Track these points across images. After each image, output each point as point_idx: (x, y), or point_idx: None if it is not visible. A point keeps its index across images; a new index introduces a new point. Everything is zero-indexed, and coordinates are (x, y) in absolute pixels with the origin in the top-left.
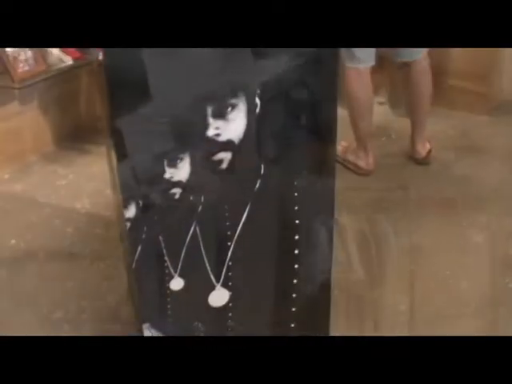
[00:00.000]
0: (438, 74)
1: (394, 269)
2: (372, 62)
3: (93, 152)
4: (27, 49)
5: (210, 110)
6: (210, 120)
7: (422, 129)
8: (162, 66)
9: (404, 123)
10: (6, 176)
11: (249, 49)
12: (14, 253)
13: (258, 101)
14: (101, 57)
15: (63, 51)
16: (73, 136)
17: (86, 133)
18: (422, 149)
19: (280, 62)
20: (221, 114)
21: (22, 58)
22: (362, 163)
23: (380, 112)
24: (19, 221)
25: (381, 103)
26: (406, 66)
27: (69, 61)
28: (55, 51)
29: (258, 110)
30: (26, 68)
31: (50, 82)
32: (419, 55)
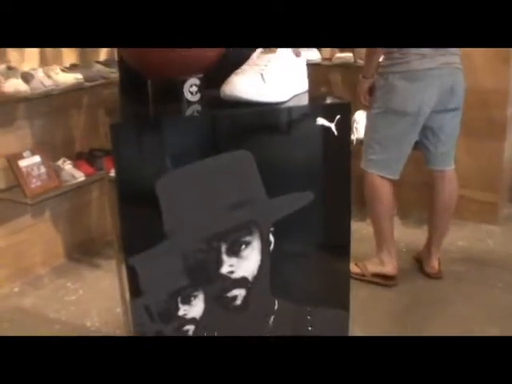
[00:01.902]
0: None
1: None
2: (398, 176)
3: (103, 267)
4: (41, 164)
5: (223, 248)
6: (224, 257)
7: (440, 242)
8: (175, 203)
9: (414, 236)
10: (16, 289)
11: (260, 182)
12: None
13: (272, 238)
14: (112, 173)
15: (76, 167)
16: (83, 249)
17: (96, 246)
18: (436, 263)
19: (293, 199)
20: (235, 252)
21: (36, 173)
22: (388, 269)
23: None
24: None
25: None
26: (438, 173)
27: (81, 177)
28: (68, 167)
29: (271, 246)
30: (39, 184)
31: (61, 196)
32: (453, 164)
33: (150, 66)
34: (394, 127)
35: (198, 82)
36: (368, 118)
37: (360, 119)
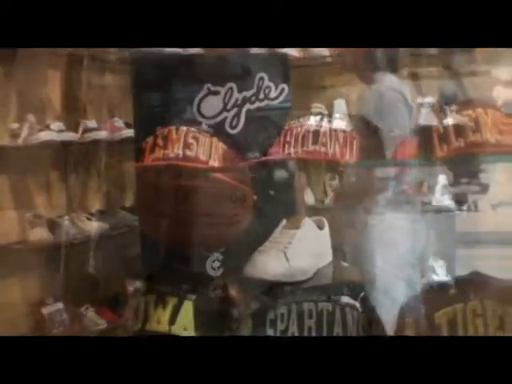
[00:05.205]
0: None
1: None
2: None
3: None
4: (63, 311)
5: None
6: None
7: None
8: None
9: None
10: None
11: None
12: None
13: None
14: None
15: (98, 314)
16: None
17: None
18: None
19: None
20: None
21: (58, 319)
22: None
23: None
24: None
25: None
26: None
27: (103, 324)
28: (90, 314)
29: None
30: (61, 329)
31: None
32: None
33: (170, 243)
34: None
35: (220, 257)
36: None
37: None
